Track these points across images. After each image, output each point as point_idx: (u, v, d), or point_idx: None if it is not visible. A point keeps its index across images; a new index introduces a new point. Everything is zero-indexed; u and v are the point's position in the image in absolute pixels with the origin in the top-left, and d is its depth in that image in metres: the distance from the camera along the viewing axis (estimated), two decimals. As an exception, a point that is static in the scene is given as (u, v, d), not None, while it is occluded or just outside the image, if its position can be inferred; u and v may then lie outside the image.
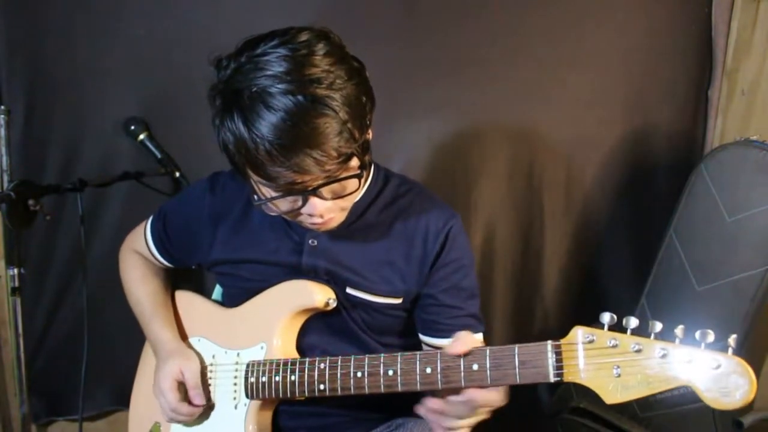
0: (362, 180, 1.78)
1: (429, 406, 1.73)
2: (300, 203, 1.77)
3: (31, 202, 2.29)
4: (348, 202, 1.85)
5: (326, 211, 1.80)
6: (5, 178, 2.64)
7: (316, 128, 1.61)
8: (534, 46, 3.02)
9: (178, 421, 2.04)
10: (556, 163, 3.16)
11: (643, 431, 2.88)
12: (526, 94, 3.06)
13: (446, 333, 2.02)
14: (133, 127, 2.75)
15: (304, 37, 1.69)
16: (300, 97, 1.60)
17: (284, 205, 1.79)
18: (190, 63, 2.61)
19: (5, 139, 2.61)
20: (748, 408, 2.98)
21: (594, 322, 1.54)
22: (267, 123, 1.61)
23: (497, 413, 3.33)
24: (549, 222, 3.22)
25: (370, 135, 1.81)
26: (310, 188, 1.71)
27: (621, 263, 3.35)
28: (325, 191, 1.74)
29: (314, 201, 1.76)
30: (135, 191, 2.79)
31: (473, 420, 1.75)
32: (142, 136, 2.75)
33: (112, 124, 2.78)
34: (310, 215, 1.80)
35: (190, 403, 2.04)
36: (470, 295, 2.08)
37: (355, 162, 1.73)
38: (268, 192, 1.77)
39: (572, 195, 3.22)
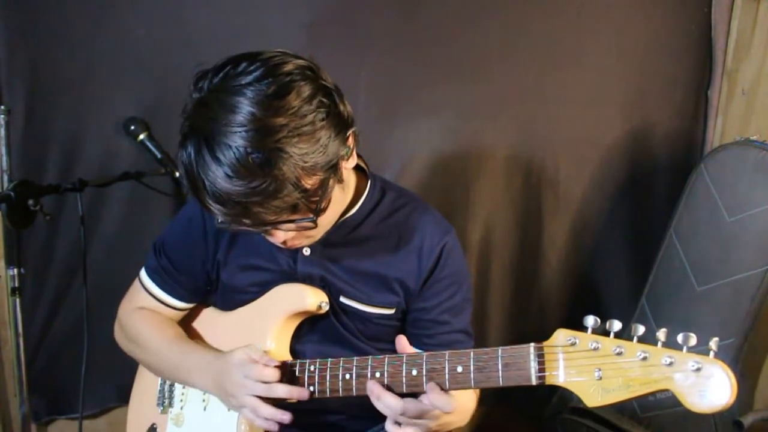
0: (323, 216, 1.75)
1: (369, 386, 1.75)
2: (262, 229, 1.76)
3: (31, 202, 2.30)
4: (313, 232, 1.82)
5: (290, 239, 1.79)
6: (5, 178, 2.65)
7: (259, 185, 1.58)
8: (533, 47, 3.02)
9: (277, 392, 1.87)
10: (556, 163, 3.16)
11: (643, 431, 2.87)
12: (526, 94, 3.06)
13: (436, 347, 2.02)
14: (133, 127, 2.75)
15: (286, 68, 1.65)
16: (246, 152, 1.57)
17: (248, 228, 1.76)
18: (190, 63, 2.60)
19: (5, 139, 2.62)
20: (748, 408, 2.97)
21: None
22: (212, 172, 1.59)
23: (498, 413, 3.34)
24: (548, 222, 3.22)
25: (351, 162, 1.80)
26: (262, 224, 1.70)
27: (621, 263, 3.35)
28: (281, 225, 1.73)
29: (274, 232, 1.76)
30: (135, 191, 2.80)
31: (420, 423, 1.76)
32: (142, 136, 2.75)
33: (112, 124, 2.79)
34: (274, 242, 1.81)
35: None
36: (460, 310, 2.08)
37: (305, 209, 1.70)
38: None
39: (572, 195, 3.22)
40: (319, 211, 1.72)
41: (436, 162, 3.04)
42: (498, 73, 3.02)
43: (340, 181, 1.79)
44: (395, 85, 2.91)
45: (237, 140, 1.57)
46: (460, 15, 2.93)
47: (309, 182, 1.65)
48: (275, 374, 1.87)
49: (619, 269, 3.35)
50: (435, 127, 3.01)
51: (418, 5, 2.90)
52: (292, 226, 1.73)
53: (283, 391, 1.86)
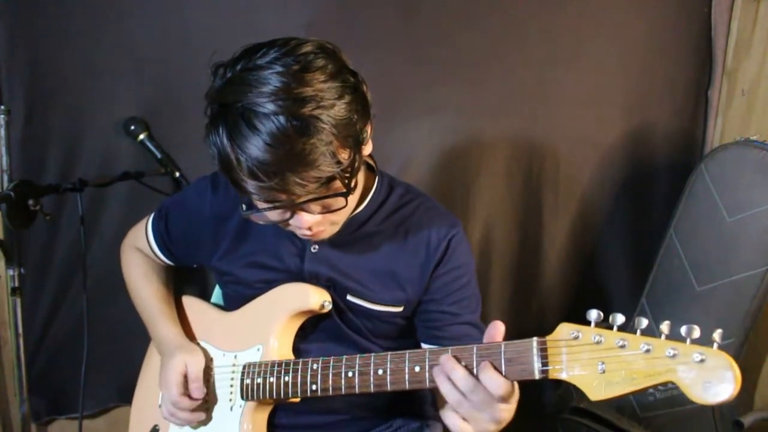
0: (349, 197, 1.75)
1: (443, 360, 1.64)
2: (288, 215, 1.75)
3: (31, 202, 2.29)
4: (338, 217, 1.83)
5: (315, 224, 1.78)
6: (5, 178, 2.63)
7: (299, 152, 1.58)
8: (533, 47, 3.02)
9: (179, 417, 2.02)
10: (556, 163, 3.16)
11: (643, 431, 2.87)
12: (526, 94, 3.06)
13: (446, 341, 2.00)
14: (133, 127, 2.75)
15: (304, 49, 1.65)
16: (285, 120, 1.57)
17: (273, 215, 1.76)
18: (190, 63, 2.61)
19: (5, 139, 2.60)
20: (748, 408, 2.97)
21: (593, 323, 1.53)
22: (250, 143, 1.59)
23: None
24: (548, 222, 3.22)
25: (367, 148, 1.79)
26: (295, 203, 1.69)
27: (621, 263, 3.36)
28: (311, 206, 1.72)
29: (302, 214, 1.74)
30: (135, 191, 2.79)
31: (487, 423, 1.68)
32: (142, 136, 2.75)
33: (112, 124, 2.78)
34: (299, 227, 1.79)
35: (189, 397, 2.02)
36: (468, 303, 2.06)
37: (339, 183, 1.70)
38: (255, 203, 1.75)
39: (572, 195, 3.22)
40: (351, 189, 1.72)
41: (436, 162, 3.04)
42: (498, 73, 3.01)
43: (362, 163, 1.80)
44: (395, 85, 2.90)
45: (274, 109, 1.57)
46: (460, 15, 2.93)
47: (343, 154, 1.66)
48: (189, 405, 2.01)
49: (619, 269, 3.35)
50: (435, 126, 3.00)
51: (418, 5, 2.90)
52: (322, 205, 1.73)
53: (183, 410, 2.03)
